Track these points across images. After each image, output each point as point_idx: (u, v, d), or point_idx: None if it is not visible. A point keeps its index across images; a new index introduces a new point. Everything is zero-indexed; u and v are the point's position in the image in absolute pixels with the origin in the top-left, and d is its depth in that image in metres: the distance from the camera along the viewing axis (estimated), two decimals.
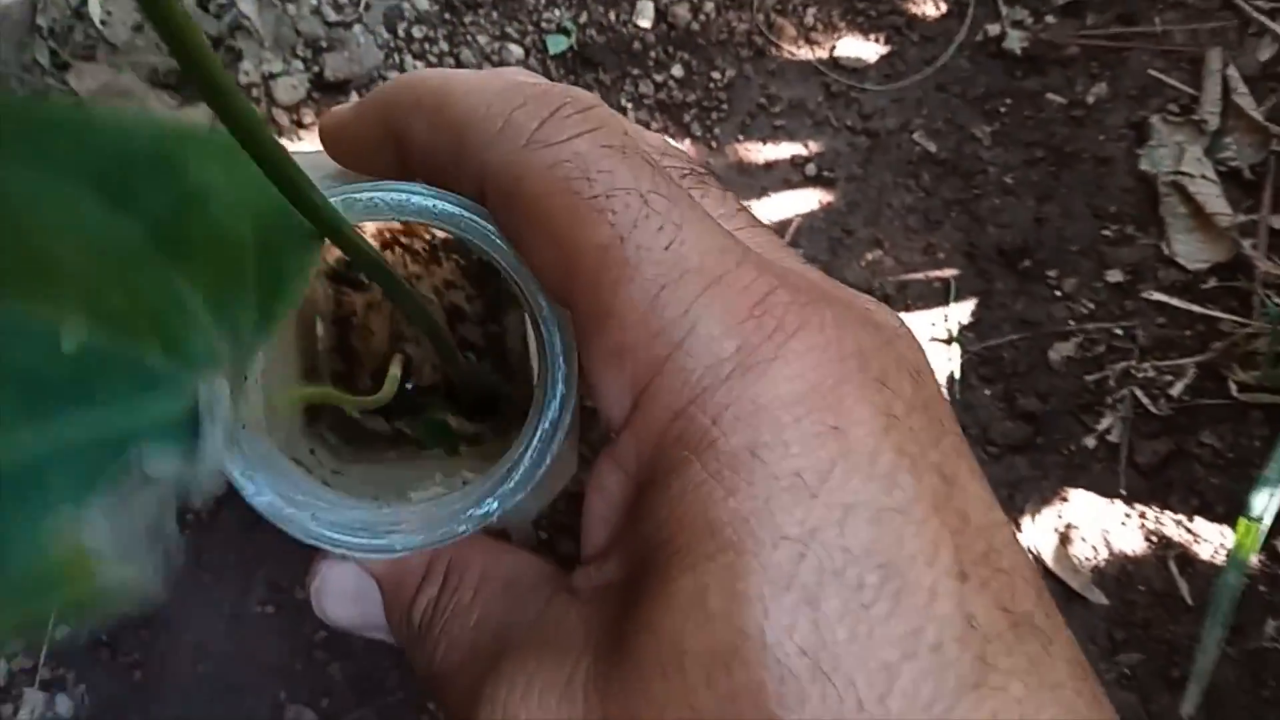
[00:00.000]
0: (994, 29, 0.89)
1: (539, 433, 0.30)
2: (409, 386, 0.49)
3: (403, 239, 0.48)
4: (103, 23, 0.87)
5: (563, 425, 0.30)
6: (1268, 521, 0.66)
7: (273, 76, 0.88)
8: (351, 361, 0.49)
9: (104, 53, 0.87)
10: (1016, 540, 0.25)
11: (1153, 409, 0.79)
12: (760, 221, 0.32)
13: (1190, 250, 0.81)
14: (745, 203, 0.85)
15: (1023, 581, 0.24)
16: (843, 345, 0.25)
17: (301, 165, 0.37)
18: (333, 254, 0.48)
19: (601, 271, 0.25)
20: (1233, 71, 0.85)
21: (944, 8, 0.91)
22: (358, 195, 0.27)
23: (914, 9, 0.91)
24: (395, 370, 0.48)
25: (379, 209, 0.27)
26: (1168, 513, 0.77)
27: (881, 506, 0.23)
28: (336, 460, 0.43)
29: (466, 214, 0.28)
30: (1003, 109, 0.87)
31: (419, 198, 0.28)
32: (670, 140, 0.86)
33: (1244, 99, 0.84)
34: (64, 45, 0.87)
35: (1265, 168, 0.83)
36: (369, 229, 0.47)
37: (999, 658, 0.22)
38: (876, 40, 0.90)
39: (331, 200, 0.26)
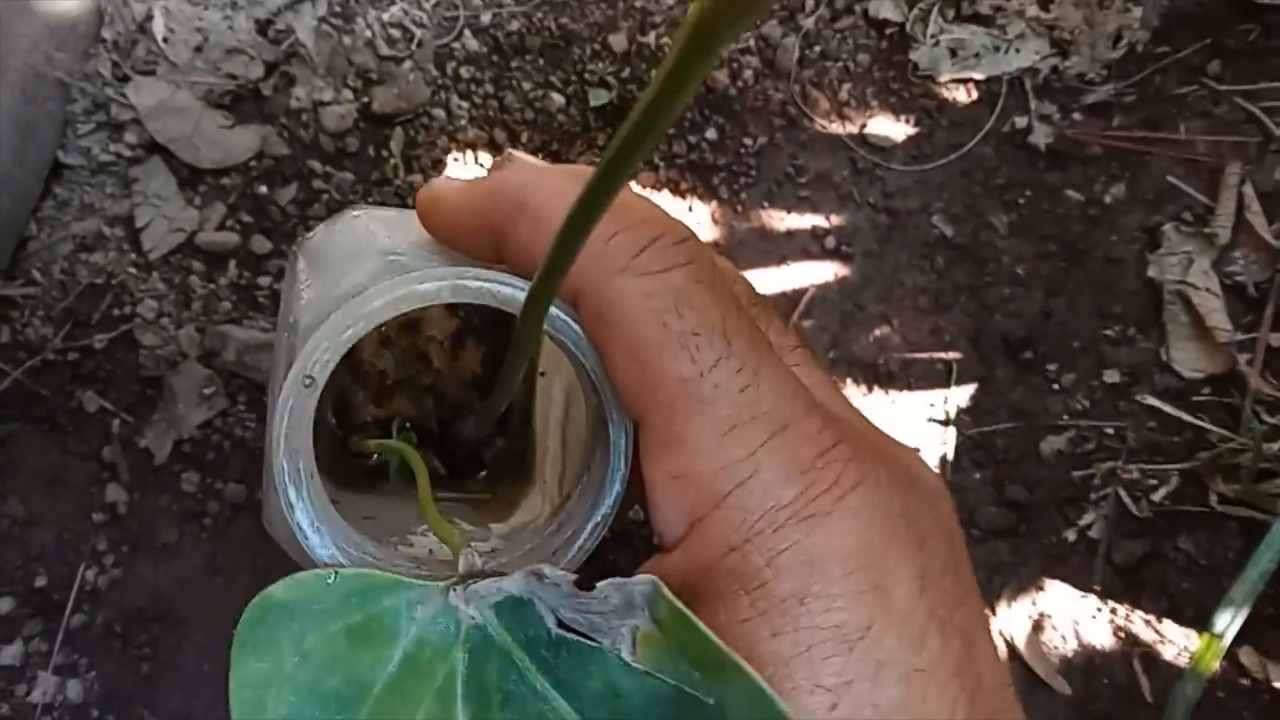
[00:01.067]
0: (1021, 121, 0.92)
1: (592, 525, 0.32)
2: (408, 426, 0.51)
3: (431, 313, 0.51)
4: (165, 40, 0.91)
5: (610, 519, 0.32)
6: (1228, 639, 0.69)
7: (322, 104, 0.92)
8: (357, 393, 0.51)
9: (164, 69, 0.91)
10: (1015, 701, 0.28)
11: (1134, 510, 0.82)
12: (815, 356, 0.33)
13: (1188, 359, 0.84)
14: (763, 269, 0.89)
15: None
16: (892, 504, 0.26)
17: (389, 223, 0.38)
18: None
19: (679, 401, 0.26)
20: (1249, 189, 0.88)
21: (975, 95, 0.94)
22: (467, 281, 0.29)
23: (946, 94, 0.94)
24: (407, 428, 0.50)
25: (486, 296, 0.29)
26: (1138, 612, 0.80)
27: (911, 666, 0.24)
28: (331, 487, 0.45)
29: (561, 315, 0.29)
30: (1021, 200, 0.90)
31: (523, 295, 0.28)
32: (699, 202, 0.90)
33: (1257, 217, 0.87)
34: (126, 59, 0.91)
35: (1270, 286, 0.85)
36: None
37: None
38: (906, 121, 0.93)
39: (443, 282, 0.28)
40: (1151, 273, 0.87)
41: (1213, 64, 0.93)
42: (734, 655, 0.20)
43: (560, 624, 0.22)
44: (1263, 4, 0.94)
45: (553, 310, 0.28)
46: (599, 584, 0.22)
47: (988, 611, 0.81)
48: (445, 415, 0.52)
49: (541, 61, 0.94)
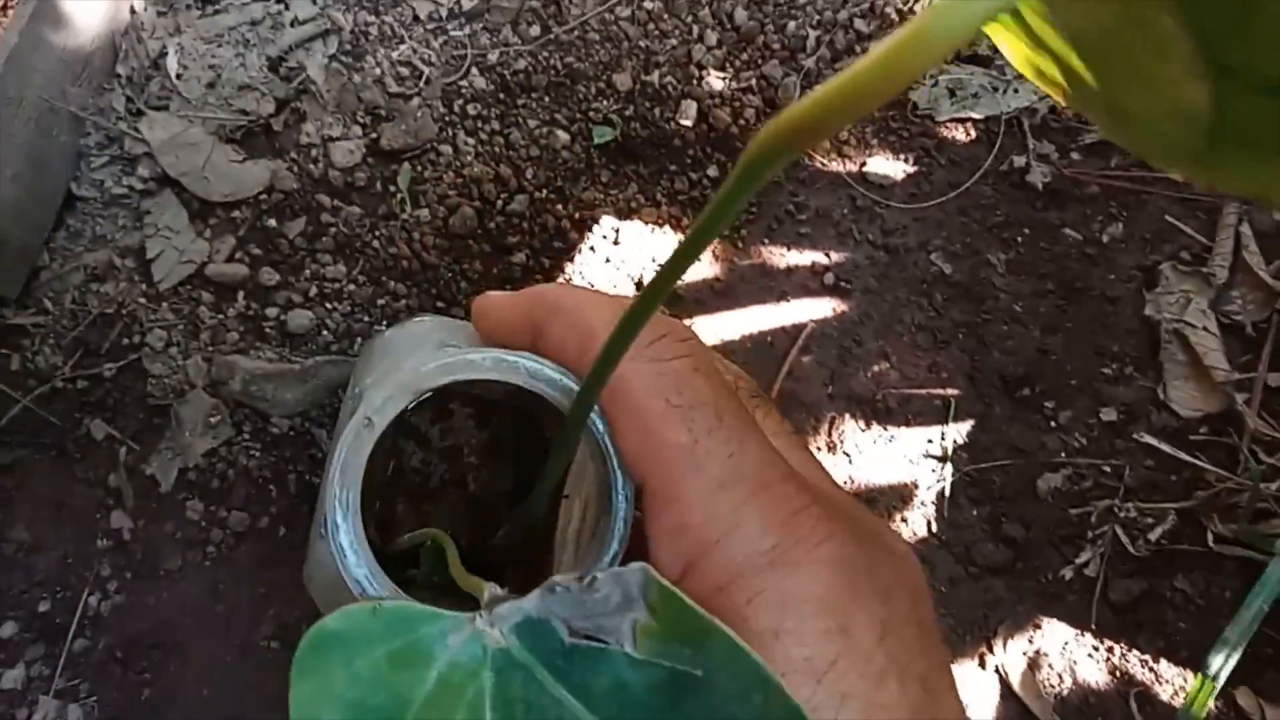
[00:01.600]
0: (1020, 160, 0.93)
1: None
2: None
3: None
4: (178, 76, 0.93)
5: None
6: (1222, 680, 0.69)
7: (332, 140, 0.94)
8: (396, 508, 0.54)
9: (177, 104, 0.93)
10: None
11: (1131, 549, 0.82)
12: (804, 444, 0.37)
13: (1185, 398, 0.84)
14: (763, 305, 0.89)
15: None
16: (858, 560, 0.29)
17: (448, 327, 0.44)
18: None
19: (676, 464, 0.30)
20: (1246, 228, 0.88)
21: (974, 135, 0.95)
22: (508, 356, 0.33)
23: (945, 133, 0.95)
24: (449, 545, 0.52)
25: (523, 372, 0.33)
26: (1134, 651, 0.80)
27: (870, 701, 0.27)
28: None
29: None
30: (1019, 239, 0.91)
31: (552, 372, 0.34)
32: None
33: (1254, 256, 0.87)
34: (140, 94, 0.93)
35: (1268, 325, 0.86)
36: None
37: None
38: (906, 160, 0.94)
39: (489, 358, 0.33)
40: (1149, 311, 0.87)
41: None
42: (714, 620, 0.22)
43: (572, 633, 0.25)
44: None
45: (575, 386, 0.33)
46: (595, 576, 0.25)
47: (978, 657, 0.81)
48: (474, 529, 0.55)
49: (547, 99, 0.95)
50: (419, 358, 0.34)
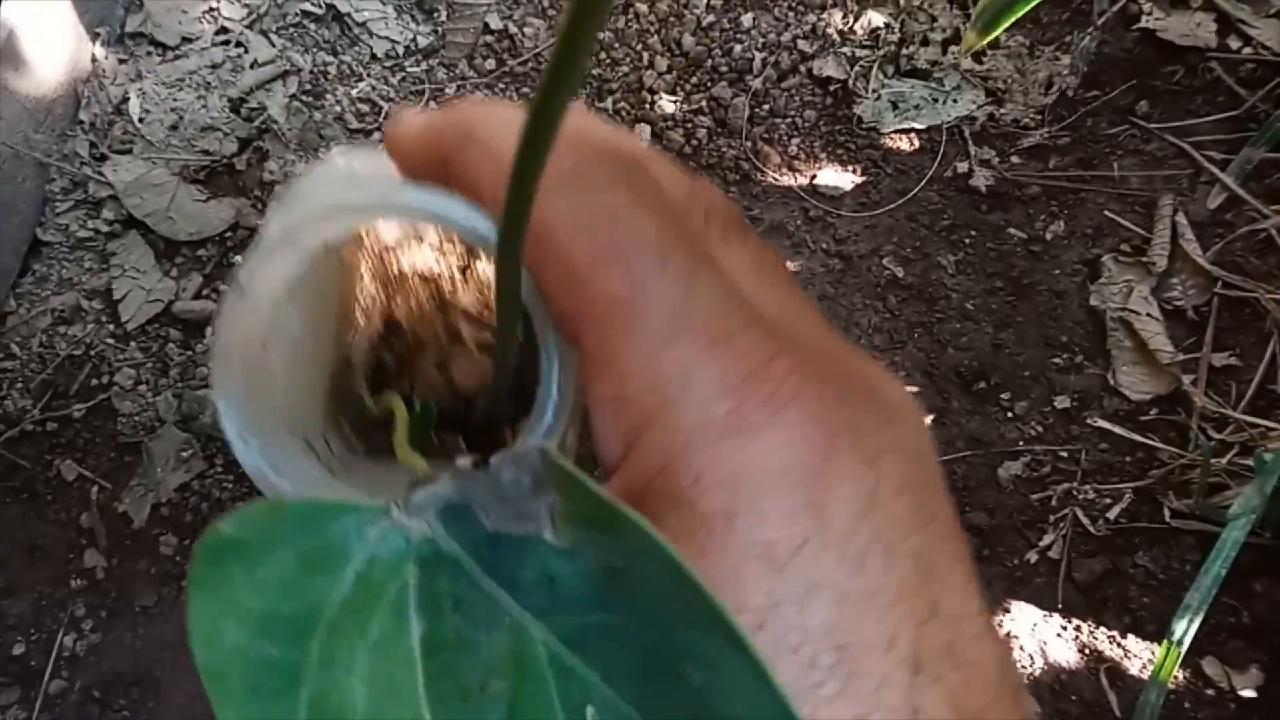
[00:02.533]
0: (963, 166, 0.96)
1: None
2: (432, 408, 0.50)
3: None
4: (141, 120, 0.95)
5: (557, 440, 0.30)
6: (1186, 644, 0.71)
7: (294, 177, 0.96)
8: (393, 363, 0.51)
9: (140, 147, 0.95)
10: (989, 632, 0.24)
11: (1091, 529, 0.84)
12: (791, 279, 0.30)
13: (1134, 382, 0.87)
14: None
15: (982, 678, 0.24)
16: (837, 420, 0.24)
17: (363, 160, 0.38)
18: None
19: (610, 321, 0.25)
20: (1181, 218, 0.92)
21: (917, 144, 0.98)
22: (398, 198, 0.29)
23: (890, 144, 0.98)
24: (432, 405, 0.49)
25: (420, 213, 0.28)
26: (1102, 628, 0.82)
27: (846, 590, 0.22)
28: (349, 454, 0.44)
29: (493, 232, 0.28)
30: (967, 240, 0.94)
31: (454, 207, 0.28)
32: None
33: (1191, 244, 0.91)
34: (103, 139, 0.95)
35: (1208, 309, 0.89)
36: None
37: None
38: (854, 171, 0.97)
39: (372, 199, 0.28)
40: (1094, 302, 0.90)
41: (1141, 104, 0.98)
42: (620, 505, 0.19)
43: (492, 520, 0.22)
44: (1185, 47, 0.99)
45: (484, 227, 0.28)
46: (491, 459, 0.22)
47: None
48: (468, 398, 0.49)
49: None
50: (312, 203, 0.29)
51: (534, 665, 0.21)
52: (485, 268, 0.51)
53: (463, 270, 0.51)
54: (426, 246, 0.50)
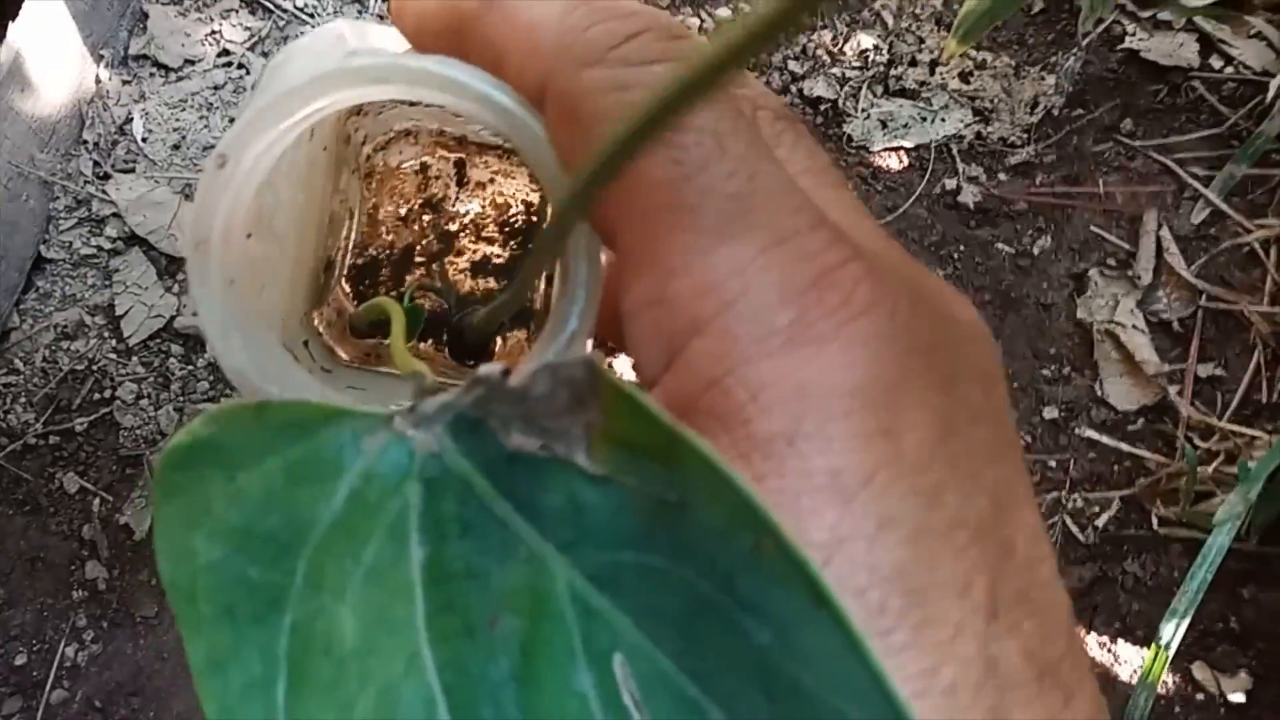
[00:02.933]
0: (951, 183, 0.98)
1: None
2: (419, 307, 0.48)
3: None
4: (144, 139, 0.97)
5: (577, 347, 0.27)
6: (1174, 648, 0.72)
7: None
8: (372, 262, 0.48)
9: (143, 167, 0.96)
10: (1057, 576, 0.23)
11: (1080, 537, 0.85)
12: (846, 185, 0.27)
13: (1121, 393, 0.89)
14: None
15: (1056, 625, 0.22)
16: (912, 337, 0.21)
17: (363, 31, 0.34)
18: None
19: (657, 211, 0.22)
20: (1166, 233, 0.94)
21: (906, 162, 1.00)
22: (410, 63, 0.24)
23: (880, 162, 1.00)
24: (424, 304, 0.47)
25: (427, 81, 0.25)
26: (1091, 634, 0.83)
27: (920, 526, 0.20)
28: (329, 358, 0.41)
29: (518, 109, 0.24)
30: (956, 255, 0.95)
31: (473, 80, 0.24)
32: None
33: (1175, 258, 0.92)
34: (107, 158, 0.97)
35: (1193, 321, 0.91)
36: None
37: (1015, 709, 0.20)
38: None
39: (380, 63, 0.24)
40: (1081, 315, 0.92)
41: (1125, 122, 1.00)
42: (683, 430, 0.17)
43: (514, 436, 0.19)
44: (1168, 67, 1.02)
45: (509, 104, 0.24)
46: (527, 371, 0.19)
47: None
48: (459, 305, 0.47)
49: None
50: (305, 75, 0.26)
51: (553, 603, 0.18)
52: (482, 168, 0.48)
53: (457, 170, 0.48)
54: (419, 144, 0.46)
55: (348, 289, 0.47)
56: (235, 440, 0.20)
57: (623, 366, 0.92)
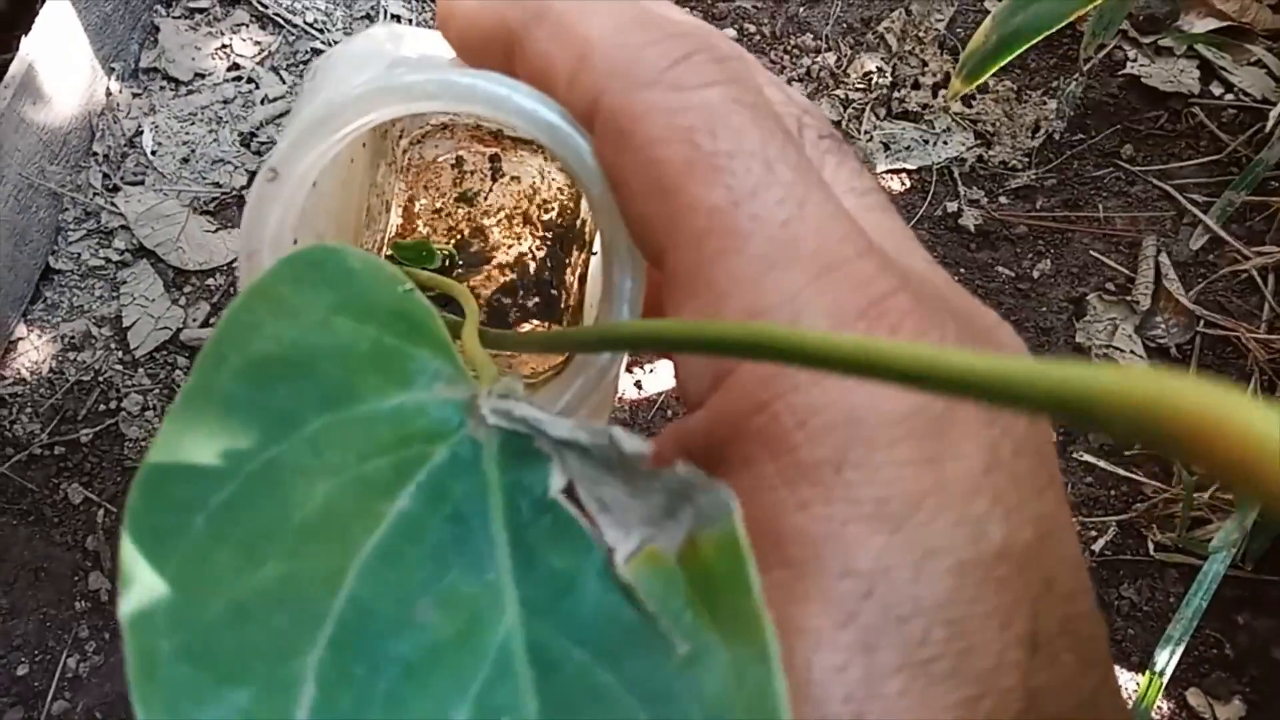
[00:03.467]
0: (952, 206, 0.99)
1: (582, 379, 0.28)
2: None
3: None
4: (154, 153, 0.98)
5: (612, 373, 0.28)
6: (1169, 675, 0.73)
7: None
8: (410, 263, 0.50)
9: (153, 179, 0.97)
10: (1096, 609, 0.23)
11: None
12: (891, 205, 0.28)
13: None
14: None
15: (1094, 657, 0.22)
16: None
17: (409, 37, 0.34)
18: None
19: (708, 236, 0.22)
20: (1165, 259, 0.95)
21: (908, 184, 1.01)
22: (459, 80, 0.25)
23: (882, 183, 1.01)
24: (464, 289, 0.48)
25: (475, 98, 0.25)
26: None
27: (965, 557, 0.20)
28: None
29: (566, 126, 0.25)
30: (957, 277, 0.96)
31: (521, 97, 0.25)
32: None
33: (1174, 284, 0.93)
34: (116, 170, 0.97)
35: (1190, 347, 0.91)
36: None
37: None
38: None
39: (429, 80, 0.25)
40: (1080, 339, 0.93)
41: (1126, 148, 1.01)
42: (766, 619, 0.16)
43: (566, 492, 0.19)
44: (1168, 93, 1.03)
45: (558, 122, 0.25)
46: (665, 472, 0.18)
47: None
48: (488, 305, 0.48)
49: None
50: (351, 82, 0.26)
51: (480, 636, 0.17)
52: (516, 162, 0.49)
53: (492, 164, 0.49)
54: (454, 138, 0.48)
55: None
56: (353, 282, 0.21)
57: (654, 381, 0.92)
